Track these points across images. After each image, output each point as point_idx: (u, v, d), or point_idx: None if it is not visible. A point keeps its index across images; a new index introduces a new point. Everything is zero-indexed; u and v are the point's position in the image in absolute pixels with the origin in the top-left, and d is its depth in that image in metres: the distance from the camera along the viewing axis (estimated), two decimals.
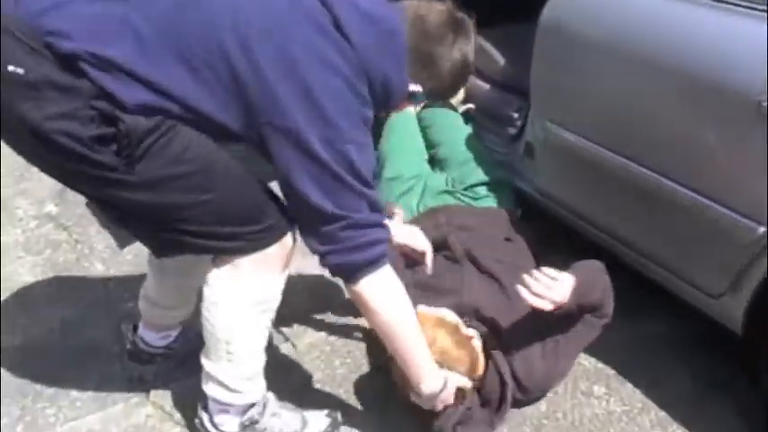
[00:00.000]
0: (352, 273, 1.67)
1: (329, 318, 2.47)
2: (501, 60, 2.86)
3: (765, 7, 1.78)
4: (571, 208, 2.39)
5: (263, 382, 1.92)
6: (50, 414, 2.12)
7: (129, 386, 2.20)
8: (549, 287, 1.88)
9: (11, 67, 1.44)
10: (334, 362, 2.29)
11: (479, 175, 2.64)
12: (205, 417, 1.94)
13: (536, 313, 1.96)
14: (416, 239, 2.20)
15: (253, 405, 1.91)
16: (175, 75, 1.51)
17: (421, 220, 2.53)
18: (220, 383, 1.85)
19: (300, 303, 2.51)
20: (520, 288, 1.88)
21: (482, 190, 2.63)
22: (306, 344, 2.36)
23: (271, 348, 2.18)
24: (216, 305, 1.78)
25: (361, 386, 2.21)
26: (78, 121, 1.47)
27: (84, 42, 1.46)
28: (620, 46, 2.08)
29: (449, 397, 1.90)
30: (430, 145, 2.86)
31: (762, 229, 1.81)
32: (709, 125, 1.89)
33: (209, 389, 1.88)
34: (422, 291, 2.15)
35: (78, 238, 2.89)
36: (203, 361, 1.87)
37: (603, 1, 2.17)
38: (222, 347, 1.80)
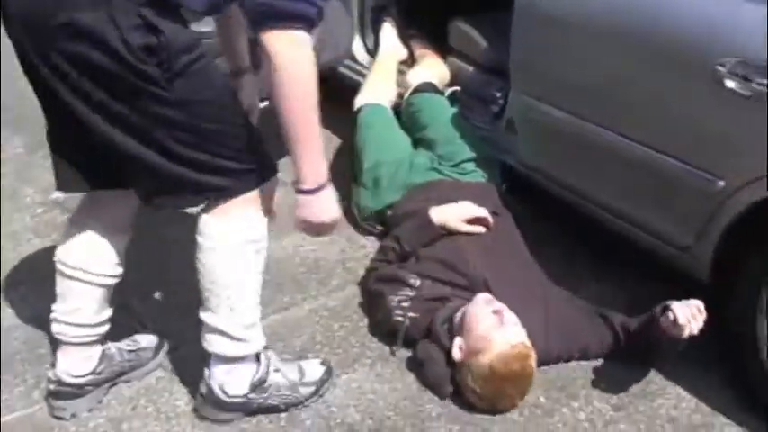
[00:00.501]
0: (281, 20, 1.65)
1: (327, 286, 2.63)
2: (483, 44, 3.03)
3: None
4: (550, 175, 2.57)
5: (262, 333, 2.02)
6: None
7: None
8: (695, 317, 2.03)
9: None
10: (333, 325, 2.45)
11: (466, 152, 2.81)
12: (214, 383, 2.01)
13: (537, 283, 2.30)
14: (472, 209, 2.45)
15: (258, 359, 2.03)
16: None
17: (413, 195, 2.69)
18: (224, 334, 1.93)
19: (297, 275, 2.66)
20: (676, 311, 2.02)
21: (469, 166, 2.79)
22: (306, 310, 2.51)
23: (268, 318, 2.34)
24: (213, 250, 1.87)
25: (358, 344, 2.37)
26: (131, 29, 1.58)
27: None
28: (588, 22, 2.28)
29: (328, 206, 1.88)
30: (419, 128, 3.01)
31: (721, 183, 1.99)
32: (672, 90, 2.08)
33: (214, 344, 1.96)
34: (431, 265, 2.35)
35: None
36: (204, 316, 1.95)
37: None
38: (223, 294, 1.89)
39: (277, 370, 2.09)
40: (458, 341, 2.12)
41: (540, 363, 2.15)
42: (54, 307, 2.07)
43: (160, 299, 2.60)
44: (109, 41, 1.59)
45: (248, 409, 2.07)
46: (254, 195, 1.86)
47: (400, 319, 2.28)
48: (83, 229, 2.02)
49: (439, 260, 2.37)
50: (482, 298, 2.19)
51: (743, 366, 2.12)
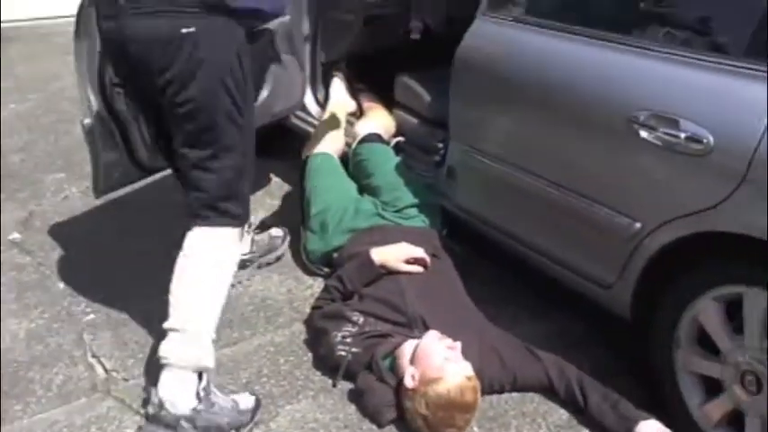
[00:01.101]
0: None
1: (274, 323, 2.73)
2: (427, 98, 3.21)
3: (636, 42, 2.18)
4: (485, 219, 2.73)
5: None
6: (18, 409, 2.32)
7: (92, 385, 2.42)
8: None
9: None
10: (278, 359, 2.55)
11: (409, 198, 2.97)
12: (165, 398, 2.14)
13: (471, 319, 2.46)
14: (410, 250, 2.63)
15: (201, 378, 2.18)
16: None
17: (357, 239, 2.84)
18: (189, 344, 2.16)
19: (246, 312, 2.77)
20: None
21: (411, 211, 2.95)
22: (254, 345, 2.61)
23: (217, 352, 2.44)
24: (197, 265, 2.22)
25: (302, 377, 2.47)
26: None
27: None
28: (517, 79, 2.48)
29: None
30: (365, 175, 3.17)
31: (638, 225, 2.16)
32: (593, 140, 2.27)
33: (175, 354, 2.16)
34: (372, 304, 2.49)
35: (41, 261, 3.12)
36: (172, 325, 2.18)
37: (503, 42, 2.57)
38: (195, 306, 2.19)
39: (216, 395, 2.23)
40: (411, 370, 2.24)
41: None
42: None
43: (113, 336, 2.68)
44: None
45: (195, 424, 2.14)
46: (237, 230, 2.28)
47: (343, 353, 2.39)
48: None
49: (379, 299, 2.51)
50: (434, 334, 2.33)
51: (662, 395, 2.26)
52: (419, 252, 2.64)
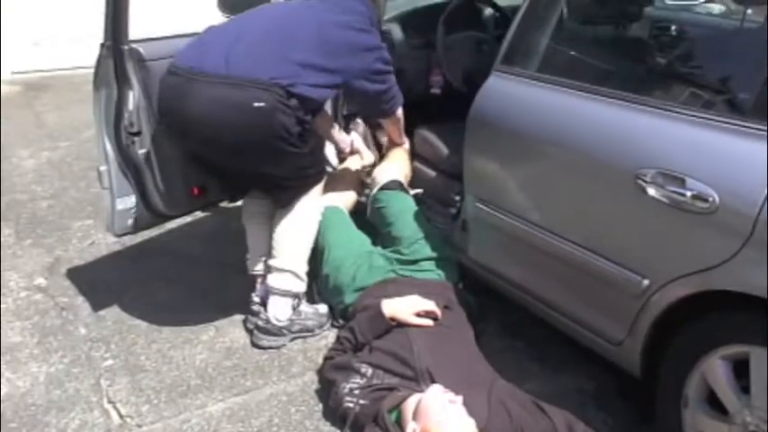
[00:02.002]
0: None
1: (287, 373, 2.76)
2: (445, 151, 3.26)
3: (644, 100, 2.21)
4: (497, 272, 2.75)
5: None
6: None
7: (106, 430, 2.46)
8: None
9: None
10: (290, 409, 2.57)
11: (427, 250, 2.99)
12: (270, 314, 2.90)
13: (481, 373, 2.47)
14: (420, 303, 2.68)
15: (296, 295, 2.96)
16: None
17: (371, 292, 2.86)
18: (295, 275, 2.91)
19: (261, 361, 2.81)
20: None
21: (427, 264, 2.97)
22: (266, 394, 2.64)
23: (228, 400, 2.49)
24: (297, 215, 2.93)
25: (312, 428, 2.49)
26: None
27: None
28: (528, 135, 2.52)
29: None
30: (384, 224, 3.20)
31: (646, 282, 2.17)
32: (602, 197, 2.29)
33: (284, 282, 2.90)
34: (381, 356, 2.50)
35: (64, 306, 3.19)
36: (275, 263, 2.91)
37: (514, 98, 2.61)
38: (296, 245, 2.94)
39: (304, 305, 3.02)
40: (412, 425, 2.24)
41: None
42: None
43: (131, 382, 2.73)
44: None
45: (292, 330, 2.93)
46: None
47: (350, 405, 2.40)
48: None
49: (388, 352, 2.52)
50: (438, 388, 2.32)
51: None
52: (429, 305, 2.66)
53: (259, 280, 3.06)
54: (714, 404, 2.09)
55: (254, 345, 2.90)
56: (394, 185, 3.29)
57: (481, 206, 2.73)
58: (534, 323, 2.76)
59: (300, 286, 2.95)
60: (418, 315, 2.64)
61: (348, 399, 2.40)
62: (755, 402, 1.96)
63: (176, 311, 3.12)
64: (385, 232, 3.18)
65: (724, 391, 2.04)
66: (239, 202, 3.19)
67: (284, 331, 2.91)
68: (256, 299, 3.02)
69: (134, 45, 2.74)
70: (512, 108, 2.62)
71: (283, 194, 2.92)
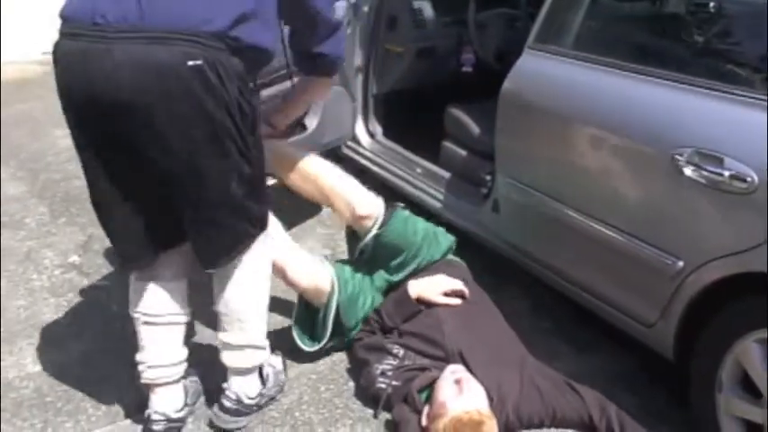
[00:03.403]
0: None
1: (317, 351, 2.76)
2: (476, 130, 3.24)
3: (681, 78, 2.16)
4: (528, 253, 2.73)
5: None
6: (69, 426, 2.41)
7: (138, 405, 2.48)
8: None
9: None
10: (319, 387, 2.58)
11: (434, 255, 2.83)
12: (240, 392, 2.37)
13: (512, 349, 2.48)
14: (447, 282, 2.63)
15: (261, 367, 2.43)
16: None
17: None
18: (255, 347, 2.35)
19: (292, 341, 2.81)
20: None
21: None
22: (296, 372, 2.65)
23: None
24: (238, 282, 2.25)
25: (342, 406, 2.50)
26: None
27: None
28: (563, 113, 2.48)
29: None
30: (394, 255, 2.80)
31: (680, 263, 2.14)
32: (637, 177, 2.26)
33: (247, 359, 2.36)
34: (411, 339, 2.50)
35: (98, 284, 3.23)
36: (225, 337, 2.32)
37: (548, 76, 2.58)
38: (247, 313, 2.30)
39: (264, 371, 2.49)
40: (426, 409, 2.27)
41: (515, 422, 2.29)
42: (141, 358, 2.34)
43: None
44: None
45: (260, 405, 2.44)
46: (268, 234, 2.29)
47: (383, 386, 2.41)
48: (154, 280, 2.29)
49: (418, 334, 2.51)
50: (449, 369, 2.33)
51: None
52: (457, 284, 2.65)
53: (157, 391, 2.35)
54: (748, 388, 2.06)
55: (220, 429, 2.41)
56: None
57: (513, 186, 2.70)
58: (564, 303, 2.74)
59: (264, 354, 2.42)
60: (446, 295, 2.62)
61: (381, 380, 2.41)
62: None
63: (207, 285, 3.13)
64: (396, 264, 2.82)
65: (759, 375, 2.01)
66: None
67: (254, 408, 2.42)
68: (157, 417, 2.33)
69: None
70: (545, 86, 2.59)
71: (221, 238, 2.13)
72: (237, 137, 1.97)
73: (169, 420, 2.32)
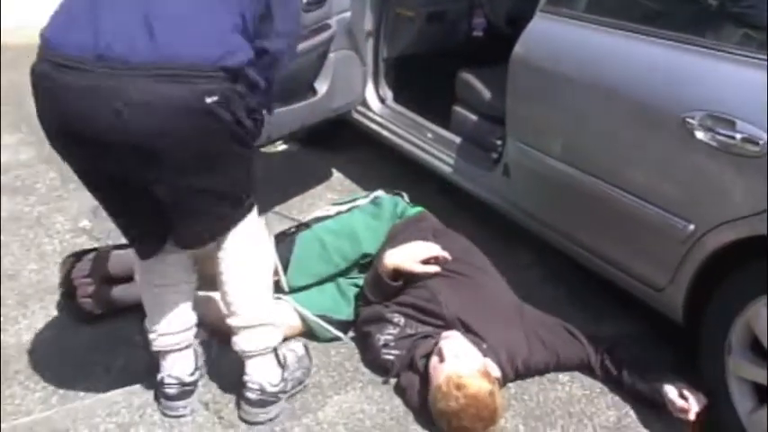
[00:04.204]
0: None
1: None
2: (487, 94, 3.21)
3: (692, 40, 2.14)
4: (538, 217, 2.72)
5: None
6: (80, 389, 2.42)
7: (149, 368, 2.50)
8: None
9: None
10: (330, 351, 2.60)
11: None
12: (263, 381, 2.26)
13: (510, 303, 2.50)
14: (424, 249, 2.56)
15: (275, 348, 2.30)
16: None
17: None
18: (268, 325, 2.24)
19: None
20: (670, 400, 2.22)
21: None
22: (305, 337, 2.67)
23: None
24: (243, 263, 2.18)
25: (352, 369, 2.52)
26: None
27: None
28: (573, 77, 2.46)
29: None
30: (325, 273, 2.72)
31: (691, 227, 2.13)
32: (647, 140, 2.24)
33: (261, 341, 2.24)
34: (409, 310, 2.49)
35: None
36: (242, 320, 2.21)
37: (560, 40, 2.55)
38: (257, 287, 2.22)
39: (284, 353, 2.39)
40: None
41: (525, 372, 2.40)
42: (151, 326, 2.30)
43: None
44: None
45: (287, 390, 2.33)
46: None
47: (388, 357, 2.43)
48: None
49: (416, 307, 2.49)
50: (443, 335, 2.34)
51: (713, 401, 2.22)
52: (433, 249, 2.56)
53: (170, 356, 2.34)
54: (757, 351, 2.06)
55: (252, 423, 2.30)
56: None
57: (524, 150, 2.69)
58: (574, 270, 2.74)
59: (278, 334, 2.31)
60: (424, 263, 2.54)
61: (384, 351, 2.43)
62: None
63: None
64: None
65: None
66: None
67: (280, 395, 2.31)
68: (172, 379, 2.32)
69: None
70: (556, 50, 2.56)
71: (215, 226, 2.10)
72: (243, 147, 1.94)
73: (183, 384, 2.33)
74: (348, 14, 2.99)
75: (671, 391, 2.23)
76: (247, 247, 2.17)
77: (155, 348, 2.33)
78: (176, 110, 1.76)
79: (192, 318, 2.35)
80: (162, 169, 1.85)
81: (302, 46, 2.67)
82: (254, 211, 2.18)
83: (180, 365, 2.34)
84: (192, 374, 2.35)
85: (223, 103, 1.79)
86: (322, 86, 3.07)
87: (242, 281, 2.21)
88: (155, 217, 2.06)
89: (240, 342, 2.25)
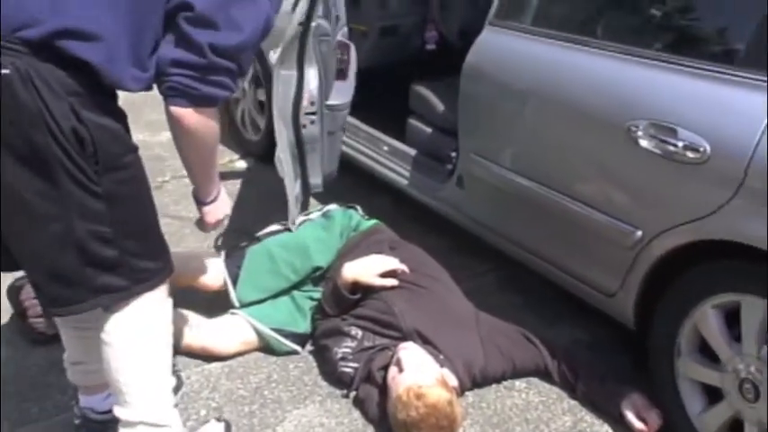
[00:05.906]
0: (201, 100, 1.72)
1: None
2: (440, 107, 3.24)
3: (635, 51, 2.19)
4: (492, 227, 2.76)
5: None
6: (35, 412, 2.38)
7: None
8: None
9: None
10: (288, 365, 2.59)
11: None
12: None
13: (465, 311, 2.54)
14: (381, 263, 2.56)
15: None
16: None
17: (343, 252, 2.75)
18: (152, 426, 1.89)
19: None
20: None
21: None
22: (265, 351, 2.67)
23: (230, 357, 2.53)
24: (111, 346, 1.82)
25: (311, 383, 2.52)
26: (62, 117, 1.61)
27: None
28: (521, 88, 2.52)
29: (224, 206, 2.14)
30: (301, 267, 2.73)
31: (639, 233, 2.17)
32: (595, 149, 2.29)
33: None
34: (366, 323, 2.50)
35: None
36: (120, 412, 1.89)
37: (508, 52, 2.61)
38: (134, 385, 1.87)
39: None
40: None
41: (482, 381, 2.44)
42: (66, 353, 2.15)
43: None
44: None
45: None
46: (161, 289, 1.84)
47: (346, 370, 2.44)
48: None
49: (372, 318, 2.50)
50: (399, 348, 2.34)
51: (665, 407, 2.26)
52: (391, 262, 2.57)
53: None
54: (706, 353, 2.11)
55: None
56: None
57: (477, 161, 2.72)
58: (530, 277, 2.78)
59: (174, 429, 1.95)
60: (383, 276, 2.55)
61: (342, 364, 2.44)
62: (746, 350, 1.98)
63: None
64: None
65: (716, 340, 2.06)
66: None
67: None
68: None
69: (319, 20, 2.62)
70: (505, 62, 2.61)
71: (65, 285, 1.73)
72: (72, 166, 1.60)
73: (95, 412, 2.20)
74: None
75: (629, 412, 2.27)
76: (139, 333, 1.83)
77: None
78: None
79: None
80: None
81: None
82: (156, 293, 1.83)
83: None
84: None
85: (15, 77, 1.55)
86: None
87: (127, 371, 1.86)
88: None
89: None
